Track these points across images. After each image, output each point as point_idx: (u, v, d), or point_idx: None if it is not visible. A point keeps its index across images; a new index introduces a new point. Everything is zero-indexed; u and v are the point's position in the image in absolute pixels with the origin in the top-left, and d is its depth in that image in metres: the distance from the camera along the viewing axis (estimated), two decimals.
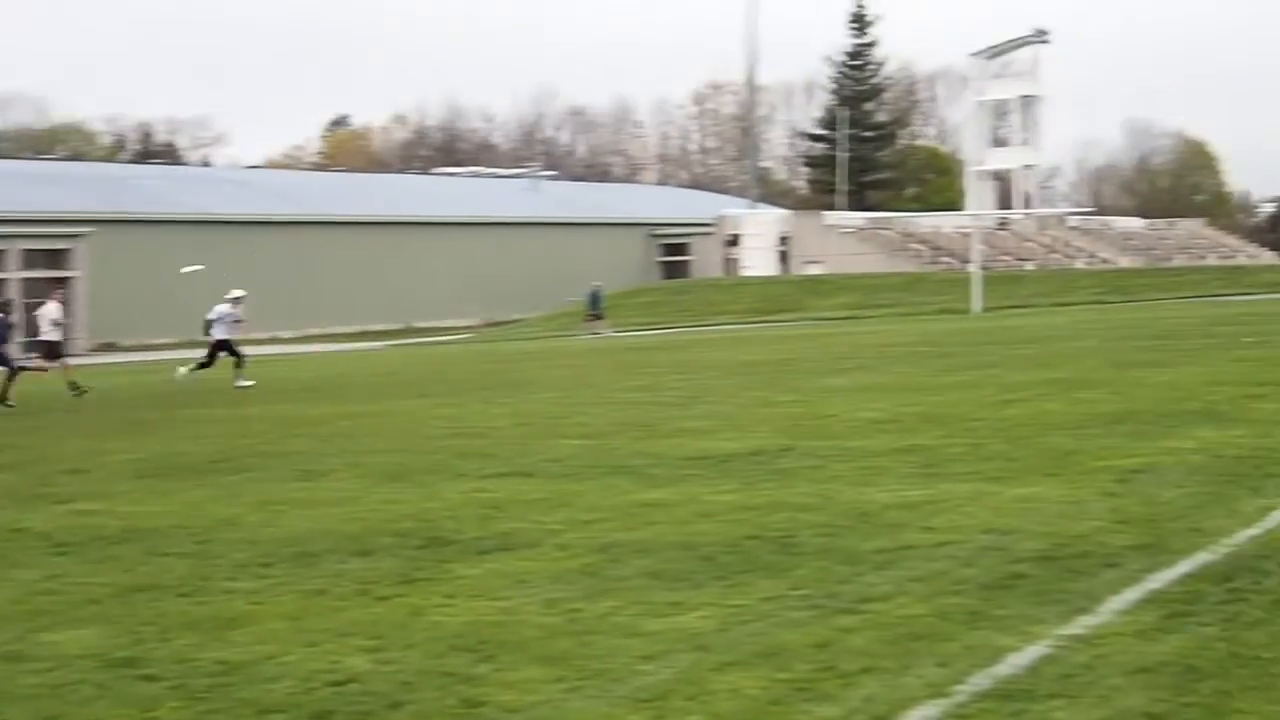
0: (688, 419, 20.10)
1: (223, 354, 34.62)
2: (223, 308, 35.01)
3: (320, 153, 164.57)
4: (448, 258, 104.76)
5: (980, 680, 6.97)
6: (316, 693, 7.34)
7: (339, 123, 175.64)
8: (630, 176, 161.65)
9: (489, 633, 8.35)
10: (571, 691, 7.15)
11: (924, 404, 20.51)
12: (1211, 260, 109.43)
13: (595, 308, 65.77)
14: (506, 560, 10.47)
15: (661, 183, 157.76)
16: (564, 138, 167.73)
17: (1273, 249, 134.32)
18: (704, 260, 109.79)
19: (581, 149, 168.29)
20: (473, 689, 7.28)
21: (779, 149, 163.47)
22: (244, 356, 34.37)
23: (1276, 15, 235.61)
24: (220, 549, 11.48)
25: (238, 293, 35.81)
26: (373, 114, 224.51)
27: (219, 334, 34.67)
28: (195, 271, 42.56)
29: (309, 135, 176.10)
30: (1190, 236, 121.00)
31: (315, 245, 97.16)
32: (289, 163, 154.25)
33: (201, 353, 35.38)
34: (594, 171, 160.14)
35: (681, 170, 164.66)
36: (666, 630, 8.21)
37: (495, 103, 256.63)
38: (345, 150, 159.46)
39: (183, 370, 34.90)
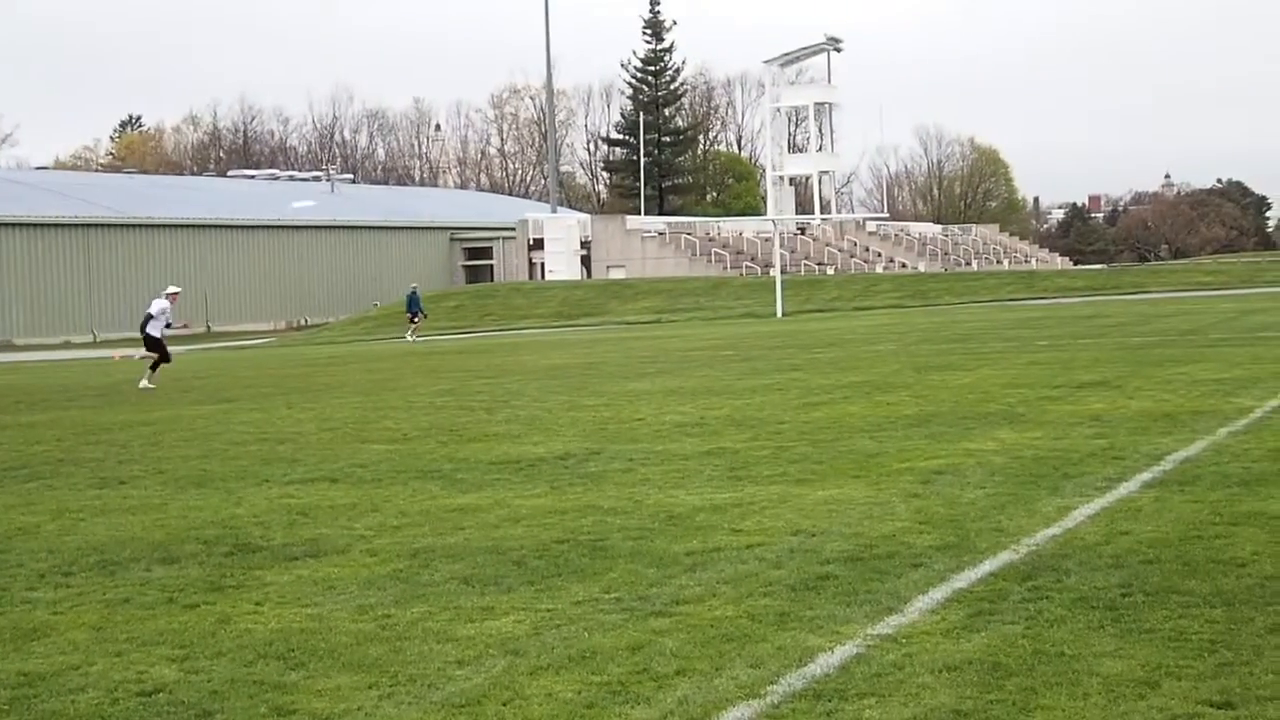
0: (495, 423, 20.06)
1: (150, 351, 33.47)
2: (161, 303, 33.90)
3: (111, 154, 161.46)
4: (246, 261, 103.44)
5: (792, 680, 7.03)
6: (123, 703, 7.19)
7: (130, 123, 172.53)
8: (431, 180, 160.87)
9: (299, 640, 8.24)
10: (384, 698, 7.08)
11: (729, 407, 20.68)
12: (1005, 265, 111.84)
13: (413, 309, 65.22)
14: (315, 567, 10.35)
15: (462, 186, 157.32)
16: (362, 140, 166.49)
17: (1064, 254, 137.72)
18: (507, 264, 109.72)
19: (380, 152, 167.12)
20: (283, 697, 7.17)
21: (579, 153, 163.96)
22: (169, 359, 33.57)
23: (1062, 27, 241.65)
24: (18, 558, 11.19)
25: (174, 289, 35.24)
26: (165, 115, 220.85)
27: (155, 331, 33.40)
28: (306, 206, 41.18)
29: (100, 136, 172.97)
30: (984, 242, 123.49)
31: (107, 248, 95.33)
32: (78, 164, 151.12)
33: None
34: (394, 175, 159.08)
35: (482, 174, 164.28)
36: (479, 635, 8.18)
37: (291, 105, 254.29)
38: (137, 151, 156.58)
39: (144, 382, 32.85)
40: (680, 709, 6.68)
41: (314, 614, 8.88)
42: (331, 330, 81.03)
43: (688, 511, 11.96)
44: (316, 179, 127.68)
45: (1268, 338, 31.33)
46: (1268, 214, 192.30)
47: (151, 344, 33.42)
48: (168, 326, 33.68)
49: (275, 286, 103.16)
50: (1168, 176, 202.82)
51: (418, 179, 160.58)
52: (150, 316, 33.50)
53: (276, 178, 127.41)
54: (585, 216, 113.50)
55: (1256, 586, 8.45)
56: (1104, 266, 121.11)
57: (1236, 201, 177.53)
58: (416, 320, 64.58)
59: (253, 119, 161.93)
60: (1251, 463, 13.14)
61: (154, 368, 32.97)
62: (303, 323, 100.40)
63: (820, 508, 11.88)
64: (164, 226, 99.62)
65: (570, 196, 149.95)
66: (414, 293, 66.57)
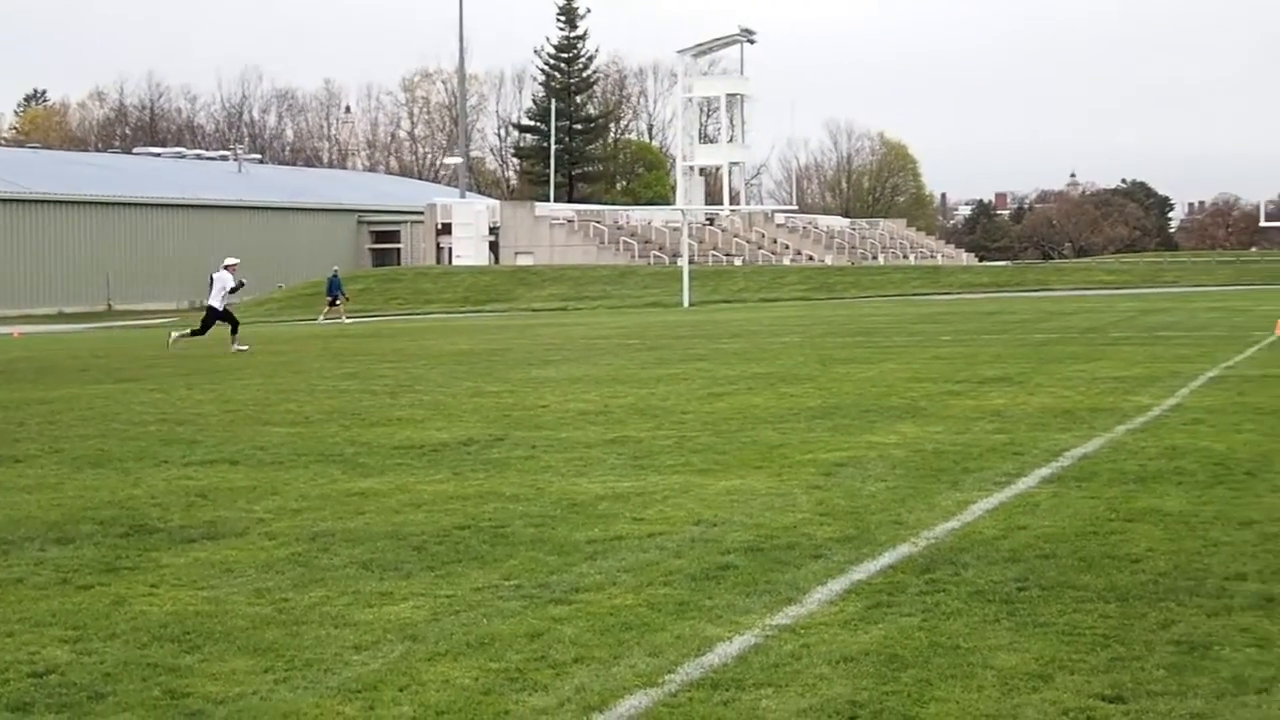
0: (398, 408, 19.97)
1: (217, 322, 36.12)
2: (221, 275, 36.42)
3: (14, 128, 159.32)
4: (150, 239, 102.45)
5: (690, 669, 7.04)
6: (14, 684, 7.09)
7: (35, 98, 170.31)
8: (340, 162, 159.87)
9: (194, 623, 8.17)
10: (280, 682, 7.03)
11: (634, 396, 20.70)
12: (912, 260, 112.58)
13: (334, 292, 64.71)
14: (213, 549, 10.26)
15: (371, 169, 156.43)
16: (271, 121, 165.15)
17: (970, 250, 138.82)
18: (414, 248, 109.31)
19: (289, 133, 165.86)
20: (177, 680, 7.11)
21: (490, 139, 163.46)
22: (238, 323, 36.49)
23: (972, 25, 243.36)
24: None
25: (232, 260, 37.58)
26: (71, 90, 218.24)
27: (214, 302, 36.02)
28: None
29: (2, 110, 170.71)
30: (891, 237, 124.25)
31: (8, 224, 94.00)
32: None
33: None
34: (302, 156, 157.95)
35: (392, 157, 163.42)
36: (377, 620, 8.14)
37: (199, 83, 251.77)
38: (41, 127, 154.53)
39: (175, 334, 35.96)
40: (578, 697, 6.68)
41: (210, 597, 8.81)
42: (236, 311, 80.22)
43: (590, 499, 11.96)
44: (224, 158, 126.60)
45: (1167, 337, 31.73)
46: (1170, 215, 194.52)
47: (210, 314, 36.32)
48: (231, 292, 36.51)
49: (179, 266, 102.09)
50: (1073, 176, 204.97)
51: (326, 161, 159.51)
52: (212, 287, 36.21)
53: (183, 156, 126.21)
54: (494, 202, 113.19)
55: (1150, 582, 8.56)
56: (1009, 263, 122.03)
57: (1140, 202, 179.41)
58: (338, 303, 64.19)
59: (160, 96, 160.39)
60: (1148, 460, 13.31)
61: (234, 332, 35.86)
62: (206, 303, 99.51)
63: (722, 498, 11.91)
64: (67, 203, 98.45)
65: (480, 182, 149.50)
66: (335, 275, 66.19)
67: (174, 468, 14.47)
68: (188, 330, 36.93)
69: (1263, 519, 10.38)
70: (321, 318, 63.19)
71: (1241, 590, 8.32)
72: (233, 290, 36.81)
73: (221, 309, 36.29)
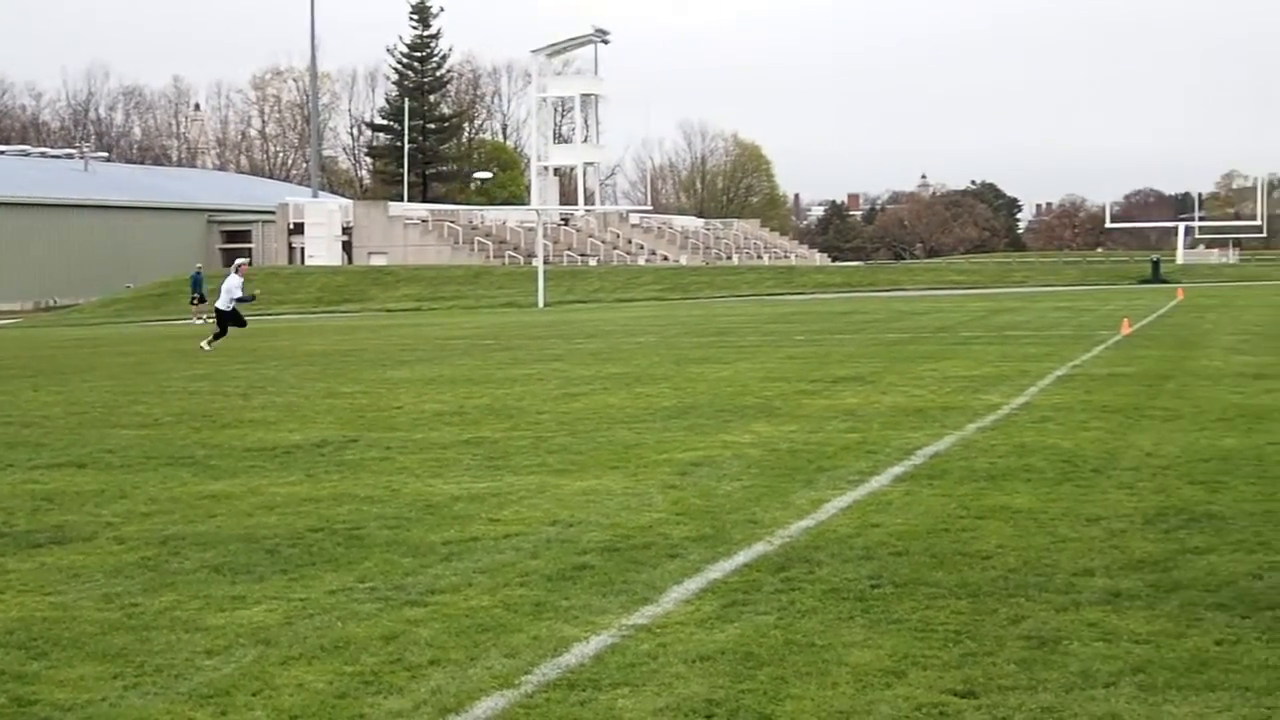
0: (250, 409, 19.75)
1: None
2: (232, 279, 36.56)
3: None
4: None
5: (547, 670, 7.03)
6: None
7: None
8: (189, 161, 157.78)
9: (41, 629, 8.02)
10: (130, 689, 6.92)
11: (489, 396, 20.64)
12: (766, 260, 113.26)
13: (197, 290, 63.65)
14: (60, 554, 10.08)
15: (221, 168, 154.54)
16: (118, 118, 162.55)
17: (823, 251, 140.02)
18: (266, 248, 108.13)
19: (137, 131, 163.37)
20: (24, 687, 6.97)
21: (342, 138, 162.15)
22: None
23: (824, 29, 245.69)
24: None
25: (242, 261, 37.94)
26: None
27: (224, 305, 36.17)
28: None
29: None
30: (745, 237, 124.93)
31: None
32: None
33: None
34: (150, 154, 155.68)
35: (242, 156, 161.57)
36: (229, 625, 8.04)
37: (44, 79, 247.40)
38: None
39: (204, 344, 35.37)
40: (434, 699, 6.64)
41: (57, 602, 8.65)
42: (82, 312, 79.06)
43: (445, 501, 11.91)
44: (70, 157, 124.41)
45: (1016, 336, 32.20)
46: (1019, 216, 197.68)
47: (220, 315, 36.39)
48: (241, 301, 36.28)
49: (23, 266, 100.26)
50: (924, 177, 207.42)
51: (176, 159, 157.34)
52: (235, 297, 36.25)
53: (27, 154, 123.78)
54: (347, 202, 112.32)
55: (1000, 578, 8.67)
56: (861, 263, 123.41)
57: (989, 203, 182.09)
58: (202, 302, 63.23)
59: (3, 93, 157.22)
60: (998, 458, 13.49)
61: (220, 336, 35.89)
62: (51, 304, 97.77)
63: (578, 498, 11.91)
64: None
65: (333, 181, 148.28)
66: (198, 273, 65.28)
67: (19, 471, 14.20)
68: (210, 335, 36.74)
69: (1109, 515, 10.56)
70: (196, 318, 62.23)
71: (1089, 585, 8.46)
72: (241, 300, 36.52)
73: (229, 310, 36.41)
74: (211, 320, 59.42)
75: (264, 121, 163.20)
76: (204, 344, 35.35)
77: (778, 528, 10.37)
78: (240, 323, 36.99)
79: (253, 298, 38.33)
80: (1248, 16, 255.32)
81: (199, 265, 69.27)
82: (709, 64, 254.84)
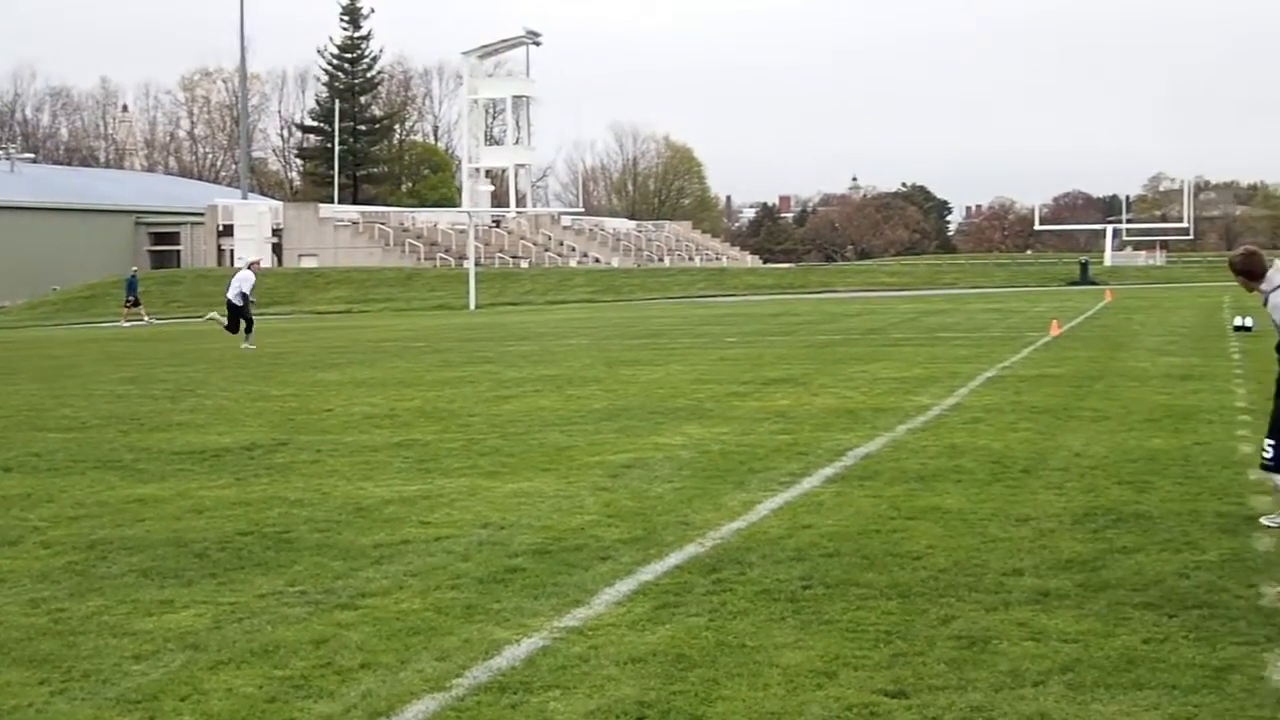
0: (178, 412, 19.61)
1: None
2: (245, 274, 36.74)
3: None
4: None
5: (478, 673, 7.01)
6: None
7: None
8: (117, 162, 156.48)
9: None
10: (56, 694, 6.85)
11: (420, 399, 20.58)
12: (697, 262, 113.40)
13: (132, 294, 63.10)
14: None
15: (150, 170, 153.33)
16: (45, 119, 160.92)
17: (754, 253, 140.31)
18: (195, 250, 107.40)
19: (64, 132, 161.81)
20: None
21: (272, 139, 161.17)
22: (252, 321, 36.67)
23: (753, 29, 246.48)
24: None
25: (255, 258, 38.23)
26: None
27: (234, 298, 36.18)
28: None
29: None
30: (677, 239, 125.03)
31: None
32: None
33: None
34: (78, 156, 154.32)
35: (171, 158, 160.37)
36: (157, 629, 7.97)
37: None
38: None
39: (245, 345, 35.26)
40: (364, 703, 6.61)
41: None
42: (8, 315, 78.28)
43: (376, 504, 11.86)
44: None
45: (946, 338, 32.37)
46: (949, 218, 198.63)
47: (233, 309, 36.45)
48: (245, 298, 36.32)
49: None
50: (855, 179, 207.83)
51: (103, 161, 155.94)
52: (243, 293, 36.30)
53: None
54: (277, 204, 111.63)
55: (930, 579, 8.71)
56: (792, 265, 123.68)
57: (920, 205, 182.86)
58: (136, 305, 62.76)
59: None
60: (928, 459, 13.56)
61: (248, 331, 36.01)
62: None
63: (510, 500, 11.88)
64: None
65: (262, 183, 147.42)
66: (133, 276, 64.75)
67: None
68: (224, 326, 37.17)
69: (1038, 515, 10.63)
70: (128, 320, 61.73)
71: (1019, 585, 8.51)
72: (247, 292, 36.62)
73: (241, 305, 36.47)
74: (141, 323, 59.19)
75: (193, 123, 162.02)
76: (245, 345, 35.38)
77: (709, 529, 10.38)
78: (248, 320, 36.60)
79: (250, 300, 37.85)
80: (1174, 22, 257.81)
81: (135, 269, 68.73)
82: (641, 66, 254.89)
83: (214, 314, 37.11)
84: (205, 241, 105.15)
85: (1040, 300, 55.51)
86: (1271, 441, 8.32)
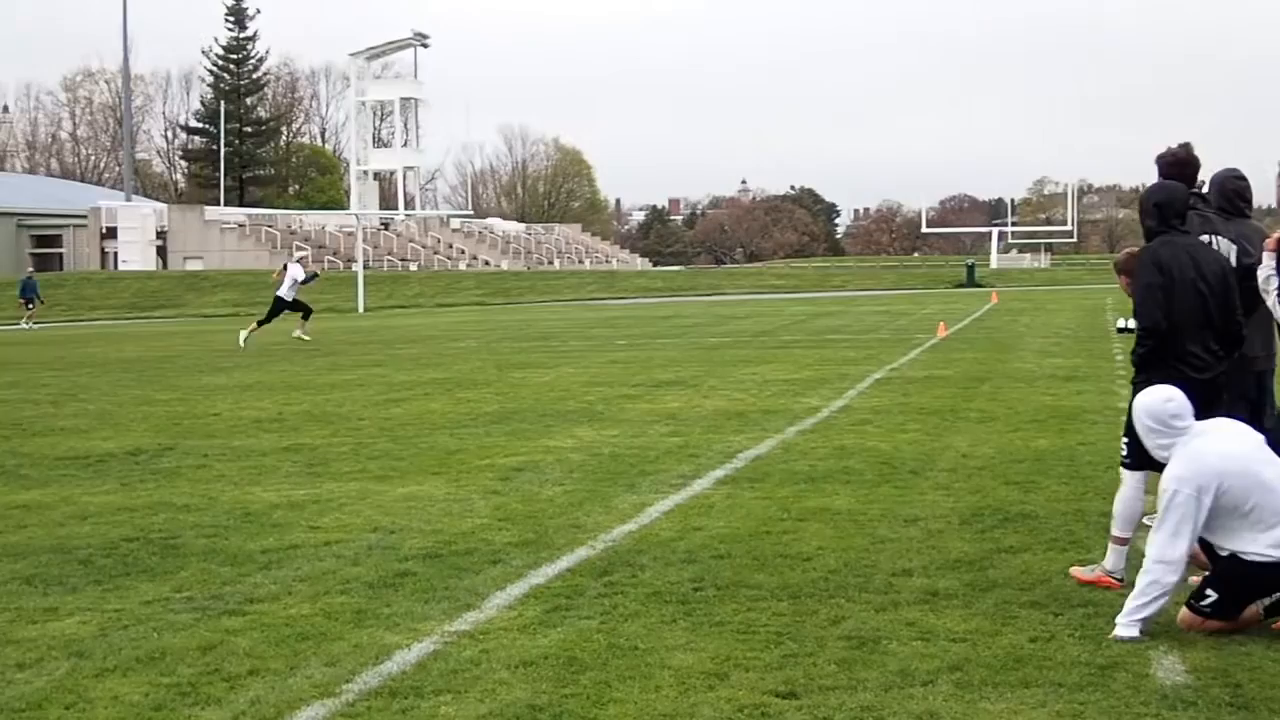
0: (61, 417, 19.34)
1: (286, 311, 37.49)
2: (294, 268, 37.37)
3: None
4: None
5: (369, 678, 6.96)
6: None
7: None
8: None
9: None
10: None
11: (309, 403, 20.43)
12: (588, 265, 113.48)
13: (27, 295, 62.11)
14: None
15: (31, 171, 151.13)
16: None
17: (644, 255, 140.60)
18: (78, 253, 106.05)
19: None
20: None
21: (157, 141, 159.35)
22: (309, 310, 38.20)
23: (640, 32, 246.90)
24: None
25: (303, 252, 39.05)
26: None
27: (284, 293, 36.90)
28: None
29: None
30: (567, 241, 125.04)
31: None
32: None
33: None
34: None
35: (53, 159, 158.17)
36: (41, 637, 7.85)
37: None
38: None
39: (243, 333, 36.33)
40: (252, 710, 6.55)
41: None
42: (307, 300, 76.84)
43: (264, 508, 11.75)
44: None
45: (835, 340, 32.58)
46: (837, 221, 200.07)
47: (278, 304, 37.45)
48: (303, 283, 37.45)
49: None
50: (744, 182, 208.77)
51: None
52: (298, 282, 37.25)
53: None
54: (162, 206, 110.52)
55: (820, 580, 8.75)
56: (682, 268, 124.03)
57: (808, 208, 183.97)
58: (32, 307, 61.80)
59: None
60: (817, 460, 13.63)
61: (305, 317, 38.23)
62: None
63: (400, 504, 11.82)
64: None
65: (146, 185, 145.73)
66: (29, 278, 63.80)
67: None
68: (254, 324, 37.47)
69: (926, 516, 10.71)
70: (26, 323, 60.76)
71: (908, 585, 8.57)
72: (304, 281, 37.51)
73: (291, 300, 37.35)
74: (29, 328, 58.33)
75: (75, 124, 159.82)
76: (297, 334, 37.03)
77: (600, 532, 10.37)
78: (304, 309, 38.03)
79: (316, 275, 39.59)
80: (1058, 26, 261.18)
81: (30, 270, 67.94)
82: (530, 69, 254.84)
83: (298, 334, 37.85)
84: (89, 244, 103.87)
85: (927, 302, 56.02)
86: (1126, 439, 8.46)
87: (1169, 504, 7.52)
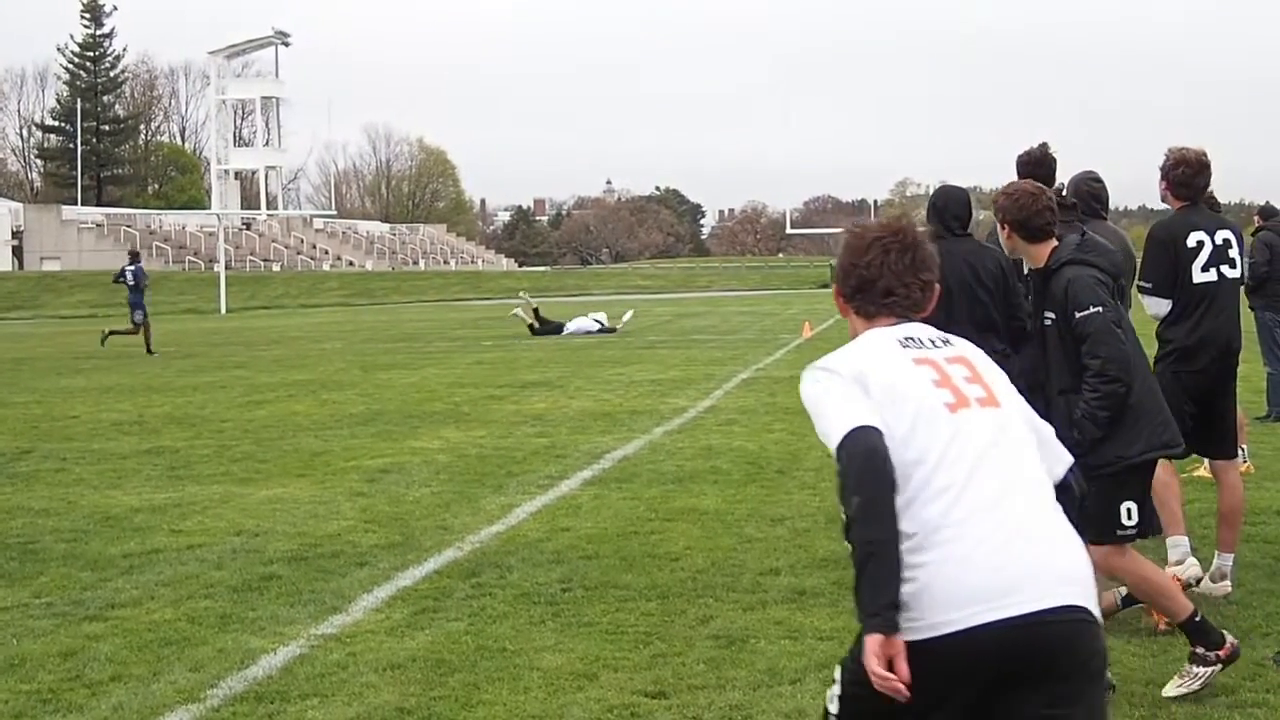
0: None
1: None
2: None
3: None
4: None
5: (233, 683, 6.89)
6: None
7: None
8: None
9: None
10: None
11: (170, 405, 20.17)
12: (453, 265, 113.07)
13: None
14: None
15: None
16: None
17: (510, 256, 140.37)
18: None
19: None
20: None
21: (12, 139, 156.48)
22: None
23: (505, 33, 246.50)
24: None
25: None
26: None
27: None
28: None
29: None
30: (432, 242, 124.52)
31: None
32: None
33: None
34: None
35: None
36: None
37: None
38: None
39: None
40: (115, 716, 6.46)
41: None
42: None
43: (125, 512, 11.58)
44: None
45: (701, 340, 32.71)
46: (702, 222, 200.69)
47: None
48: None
49: None
50: (609, 183, 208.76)
51: None
52: None
53: None
54: (17, 205, 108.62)
55: (689, 579, 8.78)
56: (548, 268, 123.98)
57: (674, 209, 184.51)
58: None
59: None
60: (685, 460, 13.67)
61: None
62: None
63: (264, 507, 11.70)
64: None
65: (1, 184, 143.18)
66: None
67: None
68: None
69: (793, 515, 10.78)
70: None
71: (775, 585, 8.62)
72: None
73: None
74: None
75: None
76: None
77: (468, 534, 10.34)
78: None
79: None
80: (922, 28, 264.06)
81: None
82: (394, 69, 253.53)
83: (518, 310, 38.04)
84: None
85: (792, 303, 56.42)
86: None
87: None
